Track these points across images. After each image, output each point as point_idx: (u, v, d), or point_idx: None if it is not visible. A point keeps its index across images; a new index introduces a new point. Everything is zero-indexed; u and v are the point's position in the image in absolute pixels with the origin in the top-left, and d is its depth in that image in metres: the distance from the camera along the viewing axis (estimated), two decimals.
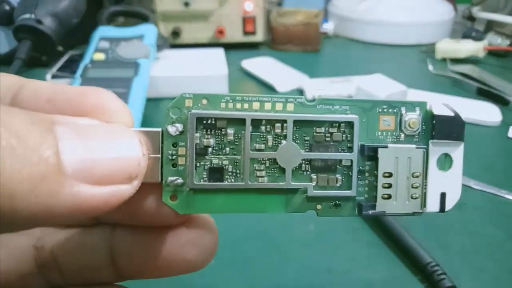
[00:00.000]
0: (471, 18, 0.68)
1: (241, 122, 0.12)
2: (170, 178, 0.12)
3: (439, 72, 0.53)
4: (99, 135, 0.10)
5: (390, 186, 0.13)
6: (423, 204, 0.13)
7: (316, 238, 0.26)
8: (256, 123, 0.12)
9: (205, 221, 0.13)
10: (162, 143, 0.12)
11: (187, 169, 0.12)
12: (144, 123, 0.37)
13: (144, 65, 0.40)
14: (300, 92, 0.47)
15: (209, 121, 0.12)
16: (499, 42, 0.61)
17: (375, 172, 0.13)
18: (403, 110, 0.13)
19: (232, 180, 0.12)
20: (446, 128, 0.13)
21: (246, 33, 0.60)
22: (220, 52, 0.51)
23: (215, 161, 0.12)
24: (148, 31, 0.45)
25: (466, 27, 0.67)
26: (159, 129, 0.12)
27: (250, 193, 0.12)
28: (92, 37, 0.44)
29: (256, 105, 0.12)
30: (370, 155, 0.13)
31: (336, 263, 0.24)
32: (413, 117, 0.13)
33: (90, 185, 0.09)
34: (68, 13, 0.52)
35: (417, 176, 0.13)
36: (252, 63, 0.53)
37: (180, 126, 0.12)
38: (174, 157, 0.12)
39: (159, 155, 0.12)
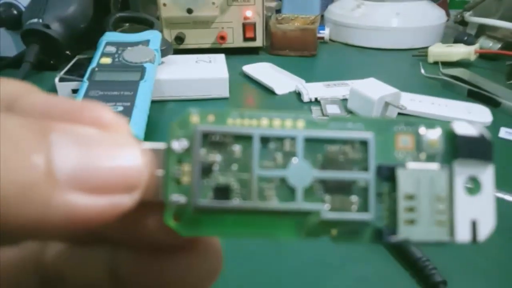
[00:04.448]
0: (463, 23, 0.69)
1: (249, 139, 0.12)
2: (174, 197, 0.11)
3: (431, 75, 0.54)
4: (97, 142, 0.09)
5: (412, 209, 0.12)
6: (451, 231, 0.12)
7: None
8: (265, 140, 0.12)
9: (209, 242, 0.13)
10: (167, 159, 0.11)
11: (192, 187, 0.11)
12: (150, 124, 0.38)
13: (150, 69, 0.41)
14: (298, 94, 0.49)
15: (215, 138, 0.12)
16: (490, 45, 0.62)
17: (395, 194, 0.12)
18: (422, 128, 0.12)
19: (240, 200, 0.11)
20: (470, 148, 0.12)
21: (246, 38, 0.62)
22: (221, 57, 0.53)
23: (221, 179, 0.12)
24: (153, 36, 0.46)
25: (458, 32, 0.69)
26: (163, 145, 0.12)
27: (258, 216, 0.12)
28: (99, 42, 0.45)
29: (264, 121, 0.12)
30: (388, 176, 0.12)
31: (329, 258, 0.25)
32: (433, 136, 0.12)
33: (85, 194, 0.09)
34: (75, 18, 0.54)
35: (441, 200, 0.12)
36: (252, 68, 0.55)
37: (185, 143, 0.11)
38: (178, 174, 0.11)
39: (162, 172, 0.11)
